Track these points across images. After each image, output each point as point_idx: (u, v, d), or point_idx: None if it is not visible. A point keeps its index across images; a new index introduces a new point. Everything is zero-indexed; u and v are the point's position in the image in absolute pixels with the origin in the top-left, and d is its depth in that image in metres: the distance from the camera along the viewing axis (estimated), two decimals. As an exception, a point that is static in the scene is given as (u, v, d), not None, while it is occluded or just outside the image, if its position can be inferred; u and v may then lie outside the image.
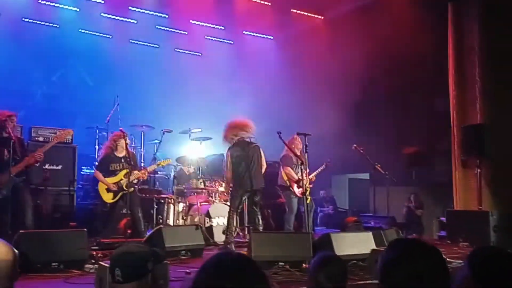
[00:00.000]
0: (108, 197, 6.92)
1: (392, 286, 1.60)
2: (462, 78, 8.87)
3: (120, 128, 7.37)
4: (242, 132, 6.64)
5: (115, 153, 6.98)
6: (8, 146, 5.88)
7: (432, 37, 9.39)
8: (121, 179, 6.89)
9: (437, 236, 8.96)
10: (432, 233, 9.48)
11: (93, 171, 7.81)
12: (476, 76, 8.58)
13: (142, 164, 8.90)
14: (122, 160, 6.94)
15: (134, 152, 7.71)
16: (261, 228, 6.71)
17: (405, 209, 9.98)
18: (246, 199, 6.76)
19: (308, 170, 7.43)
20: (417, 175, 10.34)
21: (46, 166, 7.38)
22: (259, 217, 6.75)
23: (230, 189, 6.85)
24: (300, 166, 7.44)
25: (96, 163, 7.21)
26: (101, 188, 6.93)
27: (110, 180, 6.91)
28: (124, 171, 6.87)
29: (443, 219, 8.89)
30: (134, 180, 6.94)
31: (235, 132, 6.64)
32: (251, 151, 6.64)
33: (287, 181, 7.73)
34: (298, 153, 7.32)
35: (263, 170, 6.84)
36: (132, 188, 6.85)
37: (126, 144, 6.86)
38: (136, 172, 7.01)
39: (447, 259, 4.81)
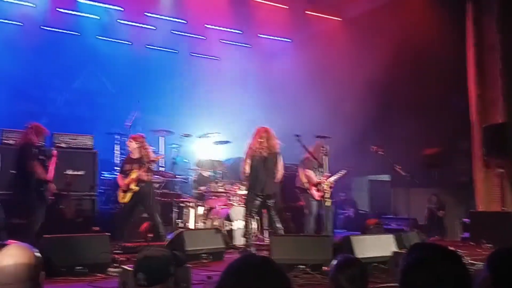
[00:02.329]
0: (121, 198, 7.09)
1: None
2: (483, 77, 8.73)
3: (141, 134, 7.49)
4: (269, 140, 6.68)
5: (131, 156, 7.18)
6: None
7: (451, 36, 9.26)
8: (131, 179, 7.07)
9: (460, 238, 8.82)
10: (455, 234, 9.34)
11: (114, 175, 7.93)
12: (498, 75, 8.44)
13: (162, 168, 9.00)
14: (135, 161, 7.11)
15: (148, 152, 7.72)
16: (280, 231, 6.71)
17: (427, 211, 9.83)
18: (260, 203, 6.79)
19: (328, 174, 7.42)
20: (438, 176, 10.20)
21: (68, 172, 7.50)
22: (277, 221, 6.76)
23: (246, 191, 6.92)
24: (319, 169, 7.42)
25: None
26: (119, 190, 7.15)
27: (124, 181, 7.09)
28: (135, 172, 7.07)
29: (467, 220, 8.75)
30: (139, 177, 7.01)
31: (262, 138, 6.68)
32: (271, 157, 6.70)
33: (306, 184, 7.71)
34: (325, 160, 7.32)
35: (279, 176, 6.87)
36: (137, 187, 6.97)
37: (138, 147, 7.03)
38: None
39: (470, 261, 4.73)
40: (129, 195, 7.03)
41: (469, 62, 8.90)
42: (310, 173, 7.65)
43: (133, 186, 6.99)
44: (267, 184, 6.65)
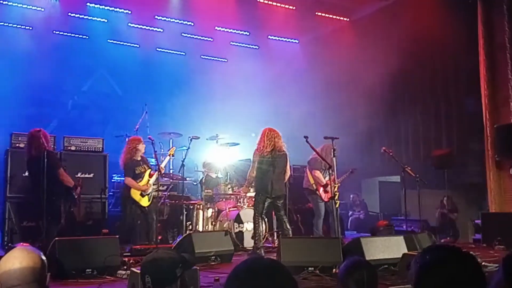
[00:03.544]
0: (144, 201, 7.06)
1: None
2: (494, 77, 8.64)
3: (149, 136, 7.50)
4: (276, 140, 6.66)
5: (135, 157, 7.14)
6: None
7: (461, 35, 9.17)
8: (148, 180, 7.08)
9: (472, 240, 8.72)
10: (467, 236, 9.23)
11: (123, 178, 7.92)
12: (509, 75, 8.35)
13: (171, 171, 9.02)
14: (141, 163, 7.15)
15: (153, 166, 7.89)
16: (289, 233, 6.68)
17: (439, 214, 9.72)
18: (269, 204, 6.76)
19: (334, 175, 7.37)
20: (449, 177, 10.10)
21: (79, 175, 7.54)
22: (286, 221, 6.74)
23: (250, 190, 6.89)
24: (327, 171, 7.38)
25: (124, 170, 7.28)
26: (135, 195, 7.02)
27: (141, 184, 7.06)
28: (148, 172, 7.13)
29: (478, 222, 8.65)
30: (156, 179, 7.17)
31: (269, 139, 6.66)
32: (279, 158, 6.67)
33: (314, 185, 7.67)
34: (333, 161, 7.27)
35: (286, 177, 6.85)
36: (155, 186, 7.09)
37: (143, 148, 7.14)
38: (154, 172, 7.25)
39: (483, 263, 4.67)
40: (152, 197, 7.10)
41: (480, 62, 8.81)
42: (318, 174, 7.61)
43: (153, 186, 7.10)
44: (275, 185, 6.63)
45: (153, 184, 7.14)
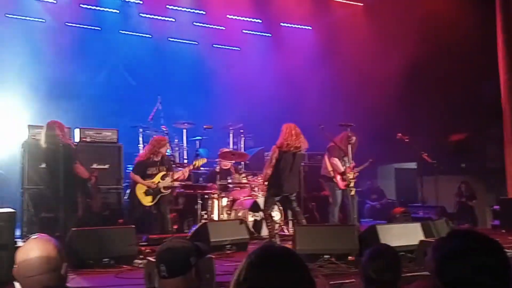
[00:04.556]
0: (147, 200, 7.02)
1: (453, 280, 1.51)
2: (512, 59, 8.44)
3: (163, 126, 7.50)
4: (298, 138, 6.59)
5: (153, 158, 7.08)
6: None
7: (479, 18, 8.96)
8: (159, 182, 7.01)
9: (490, 226, 8.61)
10: (485, 222, 9.11)
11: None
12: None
13: (185, 161, 9.03)
14: (158, 164, 7.08)
15: (169, 156, 7.80)
16: (304, 222, 6.67)
17: (457, 201, 9.60)
18: (281, 198, 6.74)
19: (353, 164, 7.33)
20: (467, 162, 9.95)
21: (94, 166, 7.59)
22: (299, 212, 6.73)
23: (266, 186, 6.85)
24: (343, 158, 7.32)
25: (134, 165, 7.27)
26: (139, 191, 7.01)
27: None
28: (161, 174, 7.03)
29: (497, 207, 8.53)
30: (171, 182, 7.06)
31: (292, 136, 6.59)
32: (297, 157, 6.63)
33: (331, 172, 7.62)
34: (352, 150, 7.22)
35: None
36: (170, 190, 7.00)
37: (166, 150, 7.06)
38: (172, 174, 7.13)
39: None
40: (158, 198, 7.01)
41: (498, 46, 8.61)
42: (336, 161, 7.55)
43: (165, 190, 6.99)
44: (290, 182, 6.60)
45: (165, 189, 6.99)
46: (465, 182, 9.63)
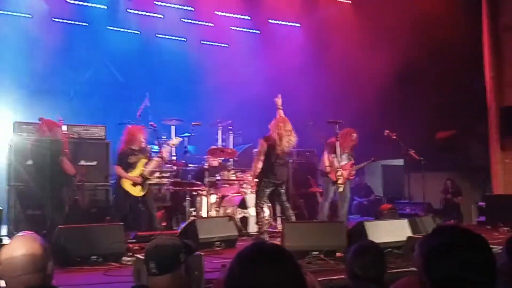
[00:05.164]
0: (137, 191, 7.00)
1: (439, 276, 1.53)
2: (499, 58, 8.56)
3: (151, 123, 7.47)
4: (283, 128, 6.63)
5: (132, 147, 7.08)
6: None
7: (466, 16, 9.06)
8: (142, 170, 7.00)
9: (476, 222, 8.73)
10: (470, 218, 9.23)
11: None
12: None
13: (174, 157, 9.00)
14: (137, 152, 7.07)
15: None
16: (293, 218, 6.70)
17: (442, 198, 9.71)
18: (272, 191, 6.75)
19: (353, 161, 7.39)
20: (453, 159, 10.06)
21: (82, 163, 7.54)
22: (289, 207, 6.78)
23: (256, 180, 6.86)
24: (343, 155, 7.36)
25: (117, 158, 7.25)
26: (127, 184, 6.99)
27: (132, 174, 7.01)
28: (143, 161, 7.02)
29: (482, 204, 8.65)
30: (154, 167, 7.08)
31: (279, 127, 6.62)
32: (287, 151, 6.69)
33: (328, 168, 7.66)
34: (349, 148, 7.28)
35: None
36: (155, 176, 7.06)
37: (144, 138, 7.04)
38: (154, 159, 7.14)
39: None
40: (147, 186, 7.02)
41: (484, 43, 8.72)
42: (331, 157, 7.59)
43: (150, 175, 7.01)
44: (280, 171, 6.62)
45: (150, 174, 7.01)
46: (450, 179, 9.76)
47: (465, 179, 9.92)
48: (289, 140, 6.60)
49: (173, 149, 9.15)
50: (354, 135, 7.31)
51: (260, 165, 6.70)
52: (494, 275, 1.52)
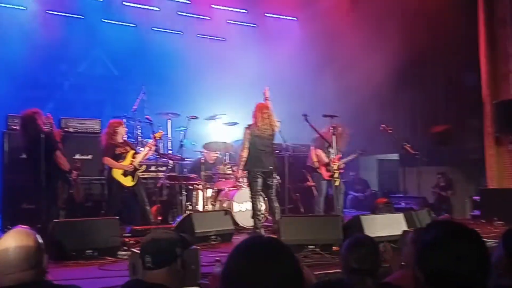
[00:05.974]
0: (127, 181, 6.92)
1: (431, 269, 1.54)
2: (494, 52, 8.56)
3: (147, 116, 7.43)
4: (266, 114, 6.63)
5: (114, 141, 6.99)
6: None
7: (462, 9, 9.05)
8: (132, 160, 6.95)
9: (470, 216, 8.77)
10: (465, 212, 9.28)
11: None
12: (509, 50, 8.26)
13: (170, 151, 8.98)
14: (121, 144, 7.02)
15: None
16: (278, 211, 6.72)
17: (433, 192, 9.75)
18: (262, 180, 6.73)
19: (340, 155, 7.38)
20: (448, 153, 10.09)
21: (77, 156, 7.50)
22: (274, 199, 6.76)
23: (245, 171, 6.83)
24: (329, 149, 7.36)
25: (103, 150, 7.14)
26: (117, 174, 6.88)
27: (123, 163, 6.96)
28: (131, 152, 7.00)
29: (476, 198, 8.68)
30: (143, 158, 7.10)
31: (261, 113, 6.62)
32: (271, 136, 6.71)
33: (316, 163, 7.67)
34: (340, 142, 7.27)
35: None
36: (144, 166, 7.11)
37: (124, 131, 7.03)
38: (141, 150, 7.17)
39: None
40: (137, 177, 6.99)
41: (480, 37, 8.72)
42: (320, 152, 7.60)
43: (139, 166, 7.01)
44: (266, 160, 6.62)
45: (139, 165, 7.02)
46: (442, 173, 9.79)
47: (459, 173, 9.96)
48: (268, 123, 6.58)
49: (169, 143, 9.14)
50: (339, 129, 7.31)
51: (245, 153, 6.70)
52: (487, 269, 1.53)
